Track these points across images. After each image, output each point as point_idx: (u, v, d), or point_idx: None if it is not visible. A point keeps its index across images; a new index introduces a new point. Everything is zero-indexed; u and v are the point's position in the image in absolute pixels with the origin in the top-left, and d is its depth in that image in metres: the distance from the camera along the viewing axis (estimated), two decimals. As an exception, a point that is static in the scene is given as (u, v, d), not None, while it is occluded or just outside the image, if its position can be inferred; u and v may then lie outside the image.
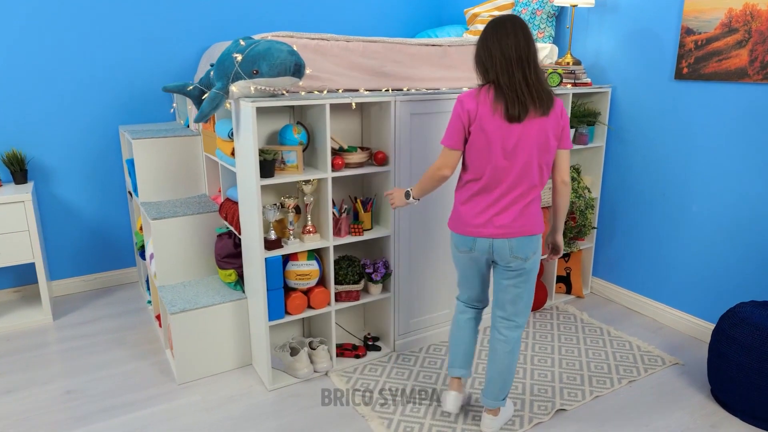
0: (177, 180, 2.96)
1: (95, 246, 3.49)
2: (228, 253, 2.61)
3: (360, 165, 2.45)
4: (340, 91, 2.49)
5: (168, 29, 3.41)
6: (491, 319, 2.14)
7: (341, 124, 2.61)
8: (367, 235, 2.53)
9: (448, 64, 2.88)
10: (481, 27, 3.67)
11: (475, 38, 2.94)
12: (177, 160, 2.94)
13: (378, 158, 2.49)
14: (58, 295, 3.44)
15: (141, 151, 2.83)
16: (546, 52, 3.22)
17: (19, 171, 3.09)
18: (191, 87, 2.38)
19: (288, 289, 2.47)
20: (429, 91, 2.57)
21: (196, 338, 2.48)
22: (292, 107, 2.50)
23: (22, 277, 3.37)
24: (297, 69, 2.13)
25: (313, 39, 2.51)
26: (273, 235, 2.34)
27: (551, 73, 2.96)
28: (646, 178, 3.04)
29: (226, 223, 2.67)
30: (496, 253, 1.94)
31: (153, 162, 2.87)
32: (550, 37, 3.33)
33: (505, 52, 1.82)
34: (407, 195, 2.12)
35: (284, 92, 2.17)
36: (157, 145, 2.85)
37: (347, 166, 2.44)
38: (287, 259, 2.42)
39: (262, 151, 2.24)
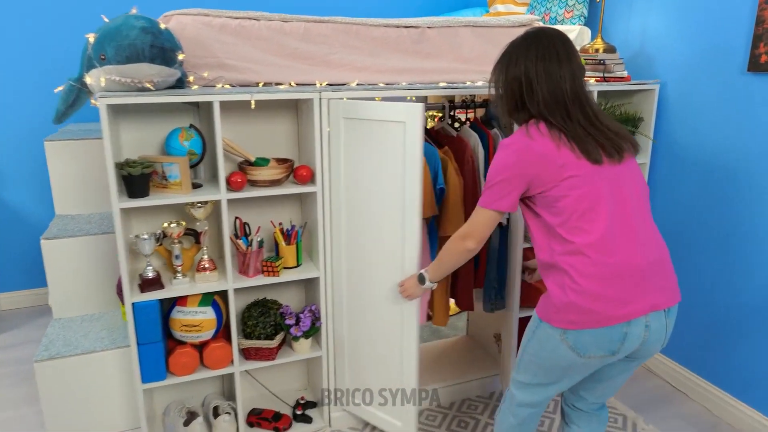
0: (102, 190, 2.50)
1: (46, 257, 3.13)
2: (126, 286, 2.10)
3: (273, 183, 1.84)
4: (261, 85, 1.89)
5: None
6: (570, 404, 1.56)
7: (268, 129, 2.01)
8: (285, 276, 1.91)
9: (427, 52, 2.19)
10: (501, 8, 2.92)
11: (486, 20, 2.21)
12: (102, 166, 2.47)
13: (300, 175, 1.86)
14: (6, 309, 3.12)
15: (54, 156, 2.39)
16: (573, 35, 2.42)
17: (-47, 172, 2.78)
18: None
19: (177, 342, 1.91)
20: (383, 87, 1.91)
21: (70, 391, 1.98)
22: (197, 104, 1.93)
23: (-31, 287, 3.09)
24: (159, 54, 1.55)
25: (235, 18, 1.94)
26: (151, 272, 1.79)
27: (568, 63, 2.17)
28: (706, 212, 2.17)
29: (131, 247, 2.16)
30: (650, 342, 1.31)
31: (71, 168, 2.42)
32: (582, 18, 2.52)
33: (557, 87, 1.32)
34: (422, 279, 1.64)
35: (148, 85, 1.60)
36: (72, 148, 2.40)
37: (254, 184, 1.83)
38: (175, 302, 1.86)
39: (127, 163, 1.69)
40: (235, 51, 1.92)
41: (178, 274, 1.84)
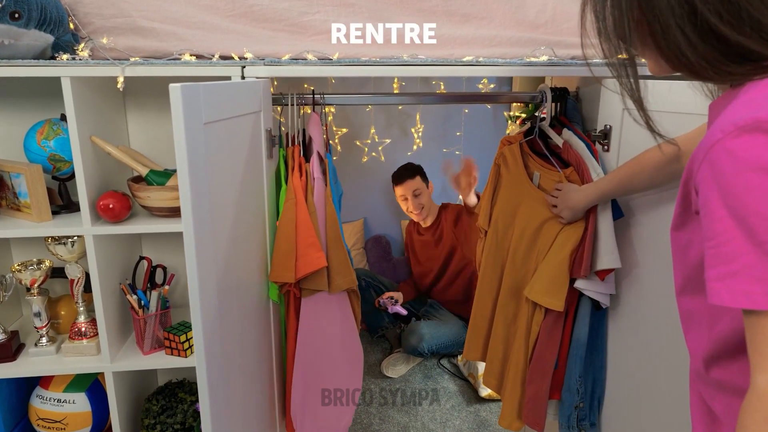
0: None
1: None
2: None
3: (175, 212, 1.15)
4: (185, 58, 1.22)
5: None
6: None
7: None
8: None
9: (465, 12, 1.41)
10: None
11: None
12: None
13: (217, 202, 1.16)
14: None
15: None
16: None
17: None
18: None
19: (43, 436, 1.30)
20: (365, 61, 1.16)
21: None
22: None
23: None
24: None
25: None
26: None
27: None
28: None
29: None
30: None
31: None
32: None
33: None
34: None
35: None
36: None
37: (152, 212, 1.17)
38: (37, 382, 1.26)
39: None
40: (157, 7, 1.28)
41: (42, 339, 1.23)
